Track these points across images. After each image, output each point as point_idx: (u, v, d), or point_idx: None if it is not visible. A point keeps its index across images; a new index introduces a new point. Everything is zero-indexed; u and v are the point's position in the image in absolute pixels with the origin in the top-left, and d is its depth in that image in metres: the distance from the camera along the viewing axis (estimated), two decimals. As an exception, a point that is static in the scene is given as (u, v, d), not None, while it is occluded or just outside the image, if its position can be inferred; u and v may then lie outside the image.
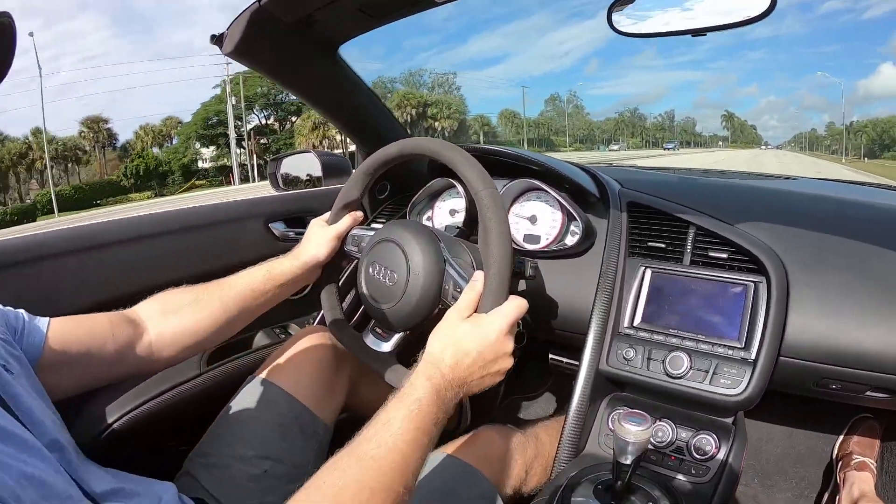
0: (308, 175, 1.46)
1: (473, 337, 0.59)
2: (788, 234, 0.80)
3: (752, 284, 0.76)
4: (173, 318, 0.69)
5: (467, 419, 1.15)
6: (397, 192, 1.27)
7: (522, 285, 0.84)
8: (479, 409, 1.15)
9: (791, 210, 0.90)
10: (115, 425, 0.90)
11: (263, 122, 37.39)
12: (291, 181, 1.48)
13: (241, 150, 34.98)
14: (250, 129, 35.54)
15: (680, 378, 0.74)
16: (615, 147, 68.62)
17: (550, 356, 1.07)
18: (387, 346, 0.78)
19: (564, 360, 1.05)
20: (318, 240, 0.82)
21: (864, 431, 1.16)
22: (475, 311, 0.62)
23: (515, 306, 0.62)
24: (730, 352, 0.74)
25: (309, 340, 0.88)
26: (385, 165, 0.79)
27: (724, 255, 0.80)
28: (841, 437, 1.18)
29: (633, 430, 0.57)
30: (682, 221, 0.85)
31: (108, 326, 0.64)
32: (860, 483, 1.06)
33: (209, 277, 0.76)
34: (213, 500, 0.69)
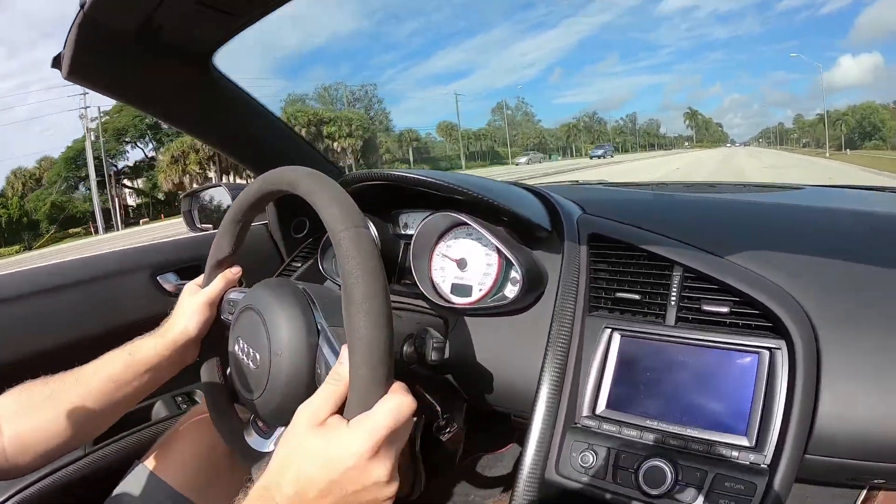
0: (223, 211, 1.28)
1: (323, 458, 0.40)
2: (813, 274, 0.57)
3: (767, 352, 0.53)
4: (29, 418, 0.59)
5: (421, 485, 0.96)
6: (317, 229, 1.06)
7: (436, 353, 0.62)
8: (435, 471, 0.94)
9: (812, 237, 0.66)
10: (-15, 517, 0.79)
11: (151, 155, 33.61)
12: (209, 220, 1.30)
13: (129, 189, 33.22)
14: (127, 167, 33.18)
15: (660, 497, 0.51)
16: (522, 160, 49.83)
17: (512, 415, 0.86)
18: (269, 445, 0.60)
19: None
20: (188, 310, 0.68)
21: (889, 487, 0.98)
22: (336, 413, 0.43)
23: (391, 410, 0.41)
24: (734, 453, 0.51)
25: (206, 417, 0.70)
26: (253, 209, 0.63)
27: (725, 310, 0.57)
28: (863, 495, 1.00)
29: None
30: (664, 260, 0.62)
31: None
32: None
33: (85, 345, 0.69)
34: None
